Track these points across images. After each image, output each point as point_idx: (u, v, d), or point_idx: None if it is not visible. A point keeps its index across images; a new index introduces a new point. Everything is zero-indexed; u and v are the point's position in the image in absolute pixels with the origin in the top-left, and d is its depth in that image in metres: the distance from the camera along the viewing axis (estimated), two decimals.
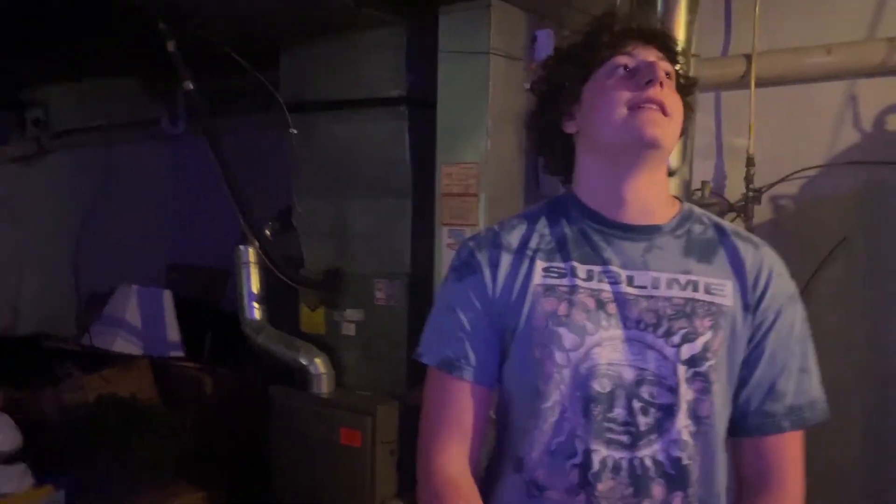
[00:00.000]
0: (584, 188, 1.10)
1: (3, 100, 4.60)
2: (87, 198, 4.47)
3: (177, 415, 2.82)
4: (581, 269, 1.05)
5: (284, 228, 2.88)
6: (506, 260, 1.08)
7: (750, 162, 2.43)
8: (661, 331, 1.01)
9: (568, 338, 1.02)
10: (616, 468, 1.00)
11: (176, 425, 2.77)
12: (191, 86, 2.51)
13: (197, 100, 2.55)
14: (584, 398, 1.01)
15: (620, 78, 1.04)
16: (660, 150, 1.03)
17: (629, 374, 1.01)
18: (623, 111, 1.02)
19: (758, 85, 2.44)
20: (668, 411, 1.00)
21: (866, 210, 2.15)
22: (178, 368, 3.10)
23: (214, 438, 2.82)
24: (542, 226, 1.10)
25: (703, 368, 1.00)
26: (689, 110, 1.09)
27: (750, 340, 1.04)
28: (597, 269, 1.05)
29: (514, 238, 1.09)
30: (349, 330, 2.71)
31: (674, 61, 1.08)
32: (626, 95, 1.02)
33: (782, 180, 2.48)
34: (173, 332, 3.27)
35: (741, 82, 2.49)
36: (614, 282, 1.04)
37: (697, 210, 1.13)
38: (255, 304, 2.78)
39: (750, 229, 2.45)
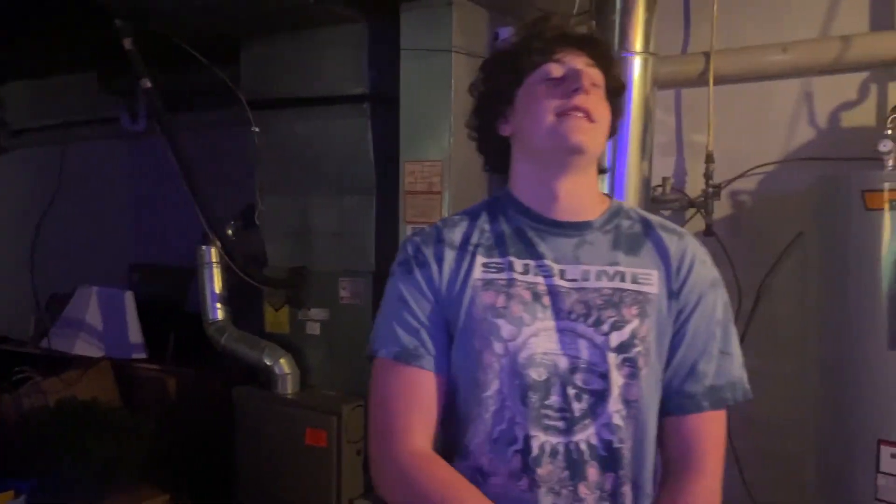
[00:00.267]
0: (519, 187, 1.17)
1: None
2: (45, 197, 4.36)
3: (139, 417, 2.77)
4: (518, 264, 1.11)
5: (247, 227, 2.85)
6: (449, 255, 1.13)
7: (709, 158, 2.47)
8: (591, 320, 1.07)
9: (506, 328, 1.07)
10: (553, 453, 1.05)
11: (139, 428, 2.72)
12: (149, 84, 2.46)
13: (156, 98, 2.50)
14: (521, 386, 1.06)
15: (549, 85, 1.10)
16: (585, 155, 1.10)
17: (563, 363, 1.06)
18: (551, 118, 1.08)
19: (716, 82, 2.48)
20: (600, 397, 1.06)
21: (821, 205, 2.19)
22: (140, 370, 3.05)
23: (178, 440, 2.78)
24: (483, 222, 1.16)
25: (632, 354, 1.06)
26: (617, 112, 1.16)
27: (674, 324, 1.10)
28: (532, 263, 1.11)
29: (456, 235, 1.15)
30: (314, 329, 2.70)
31: (604, 67, 1.13)
32: (553, 103, 1.08)
33: (741, 176, 2.52)
34: (135, 334, 3.22)
35: (700, 80, 2.52)
36: (548, 275, 1.10)
37: (626, 206, 1.20)
38: (219, 305, 2.75)
39: (710, 224, 2.49)
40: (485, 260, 1.12)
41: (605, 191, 2.10)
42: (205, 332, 2.77)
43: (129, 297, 3.25)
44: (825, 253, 2.14)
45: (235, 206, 2.90)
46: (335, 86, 2.58)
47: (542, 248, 1.11)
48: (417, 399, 1.09)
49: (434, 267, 1.12)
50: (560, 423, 1.05)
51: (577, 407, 1.05)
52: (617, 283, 1.09)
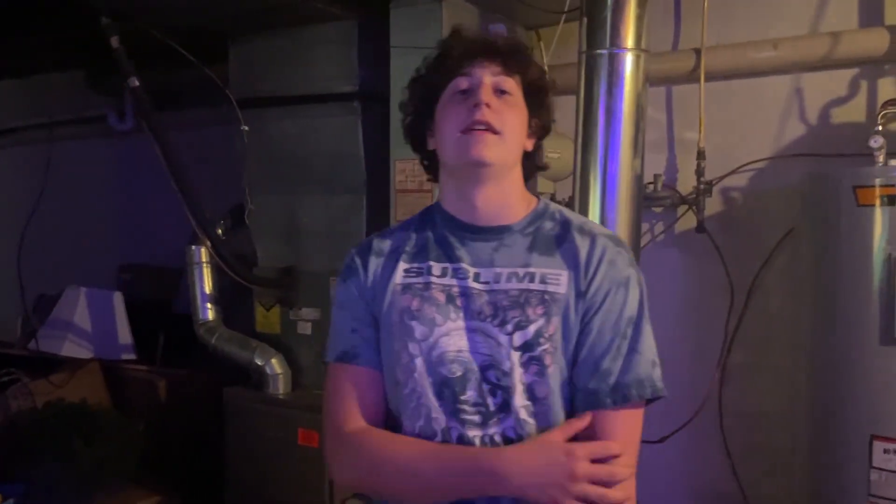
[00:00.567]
0: (444, 197, 1.24)
1: None
2: (32, 197, 4.32)
3: (129, 419, 2.76)
4: (436, 268, 1.18)
5: (237, 226, 2.83)
6: (375, 263, 1.21)
7: (701, 155, 2.47)
8: (497, 320, 1.12)
9: (419, 329, 1.14)
10: (470, 445, 1.10)
11: (128, 429, 2.71)
12: (136, 82, 2.44)
13: (143, 96, 2.48)
14: (435, 384, 1.13)
15: (457, 100, 1.16)
16: (492, 167, 1.14)
17: (476, 360, 1.12)
18: (457, 134, 1.14)
19: (707, 79, 2.48)
20: (508, 393, 1.11)
21: (812, 201, 2.20)
22: (130, 371, 3.03)
23: (169, 441, 2.76)
24: (412, 231, 1.24)
25: (537, 353, 1.11)
26: (540, 111, 1.21)
27: (580, 323, 1.13)
28: (450, 267, 1.17)
29: (385, 244, 1.23)
30: (305, 329, 2.68)
31: (520, 71, 1.18)
32: (459, 119, 1.14)
33: (732, 173, 2.53)
34: (125, 335, 3.20)
35: (691, 76, 2.52)
36: (463, 278, 1.16)
37: (553, 207, 1.24)
38: (209, 305, 2.74)
39: (701, 221, 2.49)
40: (406, 266, 1.19)
41: (598, 189, 2.12)
42: (195, 332, 2.74)
43: (117, 298, 3.23)
44: (816, 249, 2.14)
45: (224, 205, 2.87)
46: (325, 84, 2.57)
47: (461, 252, 1.17)
48: (357, 391, 1.18)
49: (361, 273, 1.21)
50: (476, 417, 1.11)
51: (492, 402, 1.11)
52: (525, 285, 1.13)
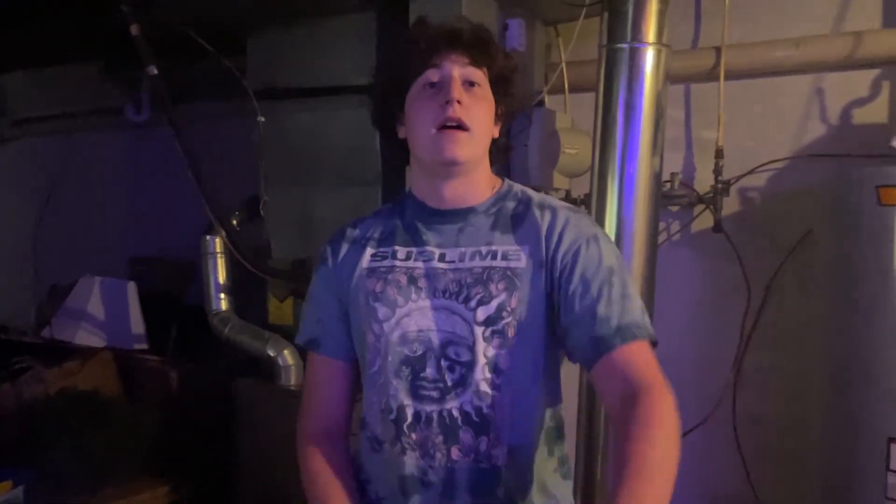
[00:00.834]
0: (414, 184, 1.29)
1: None
2: (47, 187, 4.35)
3: (141, 408, 2.76)
4: (401, 252, 1.23)
5: (251, 218, 2.83)
6: (344, 250, 1.27)
7: (719, 154, 2.45)
8: (461, 297, 1.17)
9: (381, 311, 1.19)
10: (428, 420, 1.16)
11: (140, 419, 2.71)
12: (155, 70, 2.44)
13: (161, 86, 2.48)
14: (394, 363, 1.18)
15: (428, 94, 1.18)
16: (463, 165, 1.19)
17: (437, 338, 1.16)
18: (431, 131, 1.17)
19: (727, 78, 2.46)
20: (469, 367, 1.15)
21: (831, 201, 2.17)
22: (142, 361, 3.03)
23: (180, 432, 2.76)
24: (383, 219, 1.29)
25: (499, 327, 1.15)
26: (506, 97, 1.24)
27: (559, 288, 1.16)
28: (415, 250, 1.22)
29: (356, 232, 1.29)
30: None
31: (487, 61, 1.20)
32: (431, 115, 1.16)
33: (750, 172, 2.50)
34: (137, 325, 3.20)
35: (711, 75, 2.51)
36: (427, 259, 1.21)
37: (517, 188, 1.28)
38: (222, 295, 2.74)
39: (718, 221, 2.47)
40: (373, 251, 1.25)
41: (616, 187, 2.10)
42: (208, 322, 2.74)
43: (131, 288, 3.23)
44: (835, 249, 2.12)
45: (240, 197, 2.87)
46: (342, 76, 2.56)
47: (427, 236, 1.23)
48: (316, 382, 1.29)
49: (331, 261, 1.28)
50: (434, 393, 1.16)
51: (450, 377, 1.15)
52: (488, 262, 1.18)
